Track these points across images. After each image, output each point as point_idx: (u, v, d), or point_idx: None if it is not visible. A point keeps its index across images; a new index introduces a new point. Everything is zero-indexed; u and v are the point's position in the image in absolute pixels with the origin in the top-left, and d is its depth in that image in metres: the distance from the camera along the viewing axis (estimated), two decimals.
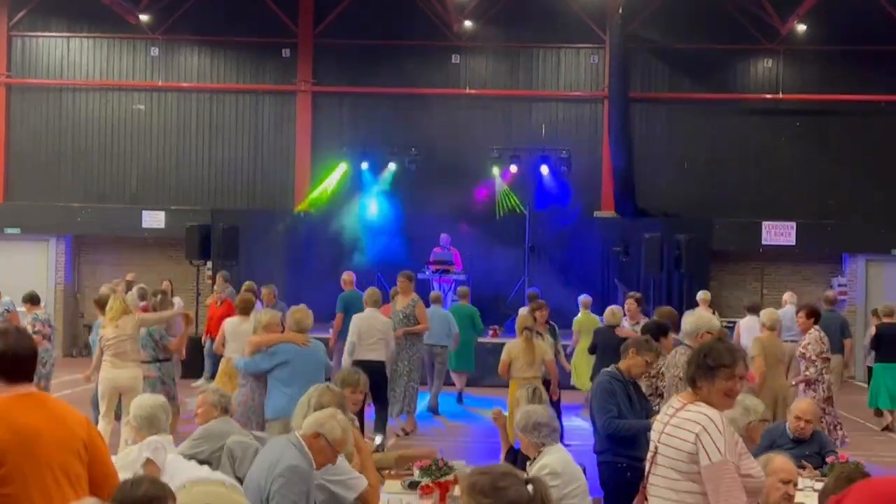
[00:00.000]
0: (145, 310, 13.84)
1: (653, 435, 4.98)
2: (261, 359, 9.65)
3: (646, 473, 4.95)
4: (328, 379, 9.81)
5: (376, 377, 11.52)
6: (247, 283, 16.67)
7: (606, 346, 12.43)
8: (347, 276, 16.43)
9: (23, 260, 23.40)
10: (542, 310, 13.31)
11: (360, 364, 11.30)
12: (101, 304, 12.73)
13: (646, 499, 4.96)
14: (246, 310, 12.38)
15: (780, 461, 5.83)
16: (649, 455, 4.95)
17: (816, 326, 11.90)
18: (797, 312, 12.52)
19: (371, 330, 12.69)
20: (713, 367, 4.82)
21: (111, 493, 4.58)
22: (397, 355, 13.65)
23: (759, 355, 11.24)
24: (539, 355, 11.68)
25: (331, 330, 15.82)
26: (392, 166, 22.54)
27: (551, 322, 13.96)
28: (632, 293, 14.03)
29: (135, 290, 15.64)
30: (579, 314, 16.27)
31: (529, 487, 3.74)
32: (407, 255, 20.86)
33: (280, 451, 5.95)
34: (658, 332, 9.30)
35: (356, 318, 12.88)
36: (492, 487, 3.69)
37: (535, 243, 22.04)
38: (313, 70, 23.91)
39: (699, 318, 8.32)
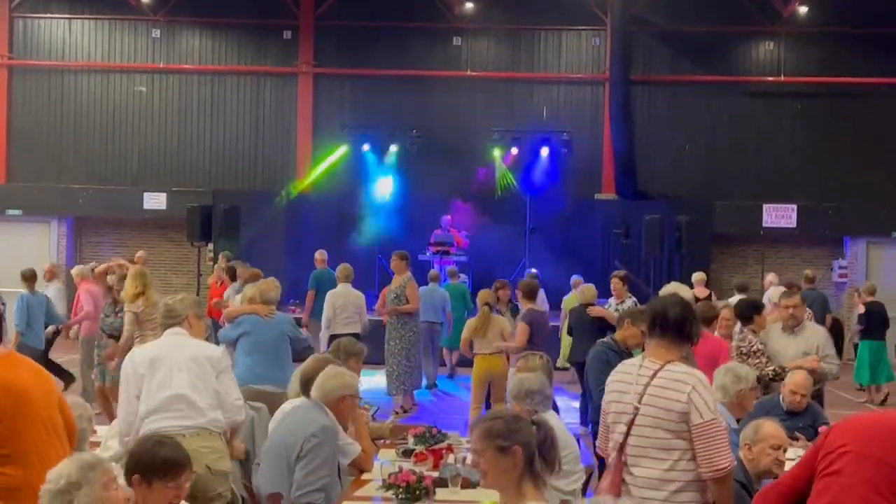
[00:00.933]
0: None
1: (622, 397, 4.98)
2: (230, 328, 9.85)
3: (624, 435, 4.93)
4: (304, 353, 9.92)
5: None
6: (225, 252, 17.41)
7: (578, 325, 12.49)
8: (320, 255, 16.85)
9: (24, 241, 23.47)
10: (504, 289, 13.41)
11: (337, 337, 11.64)
12: (27, 278, 13.20)
13: (622, 462, 4.95)
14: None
15: (770, 427, 5.84)
16: (624, 419, 4.94)
17: None
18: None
19: (346, 304, 13.23)
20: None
21: (74, 444, 4.71)
22: (388, 334, 13.78)
23: None
24: (496, 330, 11.73)
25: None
26: (393, 148, 22.53)
27: (514, 301, 14.01)
28: (616, 272, 13.96)
29: (78, 268, 15.41)
30: (569, 294, 16.46)
31: (534, 428, 4.02)
32: (408, 236, 20.87)
33: (305, 413, 6.08)
34: (751, 309, 9.33)
35: (331, 294, 13.39)
36: (507, 430, 3.96)
37: (535, 225, 22.07)
38: (314, 52, 23.90)
39: (666, 290, 8.33)
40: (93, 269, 14.62)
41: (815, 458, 4.49)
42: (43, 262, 22.96)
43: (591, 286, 13.16)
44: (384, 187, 22.49)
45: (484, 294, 12.29)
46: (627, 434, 4.91)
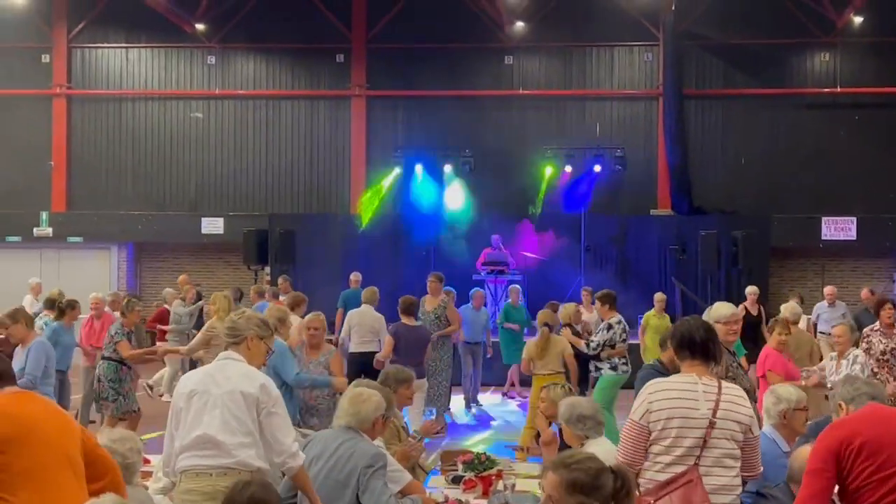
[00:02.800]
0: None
1: (692, 413, 5.12)
2: None
3: (699, 448, 5.10)
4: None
5: (368, 367, 11.98)
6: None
7: None
8: (354, 277, 17.54)
9: (86, 268, 23.83)
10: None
11: (354, 355, 12.52)
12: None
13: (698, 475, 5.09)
14: (296, 307, 12.47)
15: (800, 453, 5.70)
16: (697, 433, 5.11)
17: None
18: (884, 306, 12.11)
19: (361, 324, 13.22)
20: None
21: (116, 482, 4.68)
22: (431, 354, 13.90)
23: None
24: (556, 351, 11.67)
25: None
26: (447, 168, 22.59)
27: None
28: (598, 293, 13.41)
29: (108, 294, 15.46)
30: (651, 310, 16.45)
31: (613, 477, 3.87)
32: (461, 255, 20.91)
33: (351, 444, 6.04)
34: None
35: (351, 314, 13.45)
36: (591, 486, 3.78)
37: (591, 242, 21.98)
38: (367, 74, 24.07)
39: (711, 309, 8.24)
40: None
41: (834, 470, 4.57)
42: (104, 288, 23.44)
43: (572, 305, 12.86)
44: (438, 207, 22.53)
45: (543, 314, 12.24)
46: (703, 447, 5.09)
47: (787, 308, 11.69)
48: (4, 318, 9.75)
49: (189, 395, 5.77)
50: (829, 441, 4.77)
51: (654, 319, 16.21)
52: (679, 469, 5.07)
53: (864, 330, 11.34)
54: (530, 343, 11.97)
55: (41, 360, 9.46)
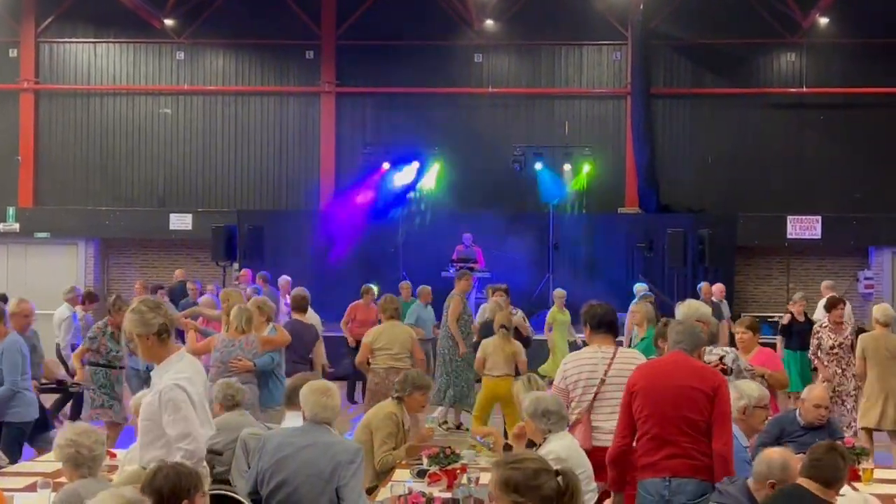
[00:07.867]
0: None
1: (592, 374, 6.85)
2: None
3: (589, 402, 6.84)
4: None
5: None
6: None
7: None
8: (244, 273, 18.47)
9: (52, 263, 23.66)
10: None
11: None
12: None
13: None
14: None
15: (795, 462, 5.58)
16: (592, 390, 6.85)
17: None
18: (836, 306, 12.37)
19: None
20: None
21: None
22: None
23: (860, 354, 10.82)
24: (509, 354, 11.76)
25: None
26: (415, 165, 22.61)
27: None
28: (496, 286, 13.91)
29: None
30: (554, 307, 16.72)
31: (560, 479, 3.70)
32: (430, 253, 20.94)
33: (331, 439, 6.03)
34: None
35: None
36: (526, 486, 3.64)
37: (558, 240, 22.07)
38: (336, 71, 24.07)
39: (689, 306, 8.28)
40: None
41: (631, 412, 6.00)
42: (71, 283, 23.27)
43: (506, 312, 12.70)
44: (406, 205, 22.56)
45: (500, 317, 12.27)
46: (595, 398, 6.84)
47: (877, 309, 11.37)
48: None
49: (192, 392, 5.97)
50: (629, 382, 6.12)
51: (560, 315, 16.48)
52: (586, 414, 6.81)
53: (815, 326, 12.48)
54: (486, 343, 12.04)
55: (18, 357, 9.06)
